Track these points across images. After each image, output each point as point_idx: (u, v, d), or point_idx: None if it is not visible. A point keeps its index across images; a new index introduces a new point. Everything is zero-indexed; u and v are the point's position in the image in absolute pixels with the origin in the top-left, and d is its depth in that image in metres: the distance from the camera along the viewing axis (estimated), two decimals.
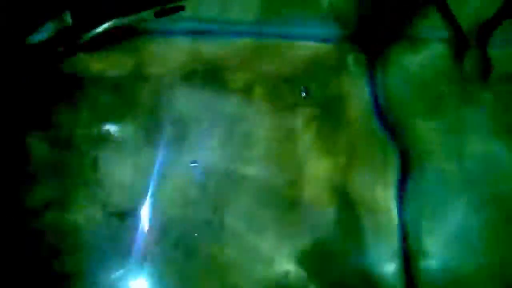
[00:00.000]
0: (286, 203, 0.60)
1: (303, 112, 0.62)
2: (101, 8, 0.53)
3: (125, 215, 0.58)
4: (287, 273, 0.58)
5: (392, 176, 0.60)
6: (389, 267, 0.59)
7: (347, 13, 0.63)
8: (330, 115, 0.62)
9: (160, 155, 0.59)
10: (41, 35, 0.57)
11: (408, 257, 0.59)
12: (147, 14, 0.57)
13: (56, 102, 0.59)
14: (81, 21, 0.55)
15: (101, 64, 0.60)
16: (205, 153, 0.60)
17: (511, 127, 0.62)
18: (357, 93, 0.62)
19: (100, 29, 0.57)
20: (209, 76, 0.61)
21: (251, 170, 0.60)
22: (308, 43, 0.62)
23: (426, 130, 0.62)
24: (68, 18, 0.55)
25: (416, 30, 0.63)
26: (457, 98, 0.63)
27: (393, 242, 0.59)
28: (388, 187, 0.60)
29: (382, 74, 0.63)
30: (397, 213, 0.60)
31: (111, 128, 0.59)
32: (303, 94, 0.61)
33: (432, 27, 0.63)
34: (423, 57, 0.63)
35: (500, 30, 0.63)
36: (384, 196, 0.60)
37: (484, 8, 0.63)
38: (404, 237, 0.59)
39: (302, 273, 0.58)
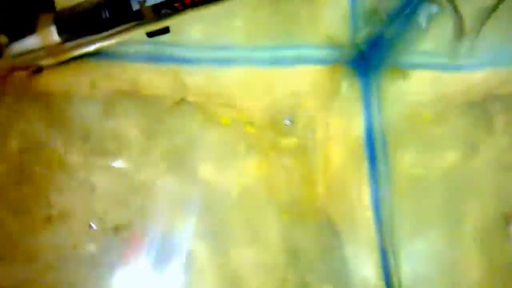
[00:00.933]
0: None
1: (293, 143, 0.62)
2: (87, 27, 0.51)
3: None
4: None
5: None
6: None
7: (343, 38, 0.62)
8: (318, 148, 0.62)
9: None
10: (22, 45, 0.55)
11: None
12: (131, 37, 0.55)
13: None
14: (65, 37, 0.53)
15: (83, 84, 0.58)
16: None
17: None
18: (349, 119, 0.62)
19: (86, 49, 0.55)
20: (197, 107, 0.60)
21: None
22: (302, 67, 0.61)
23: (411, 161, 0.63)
24: (54, 34, 0.54)
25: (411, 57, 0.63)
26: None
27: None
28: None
29: (377, 100, 0.62)
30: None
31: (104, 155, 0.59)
32: (288, 123, 0.61)
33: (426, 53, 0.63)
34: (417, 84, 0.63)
35: None
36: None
37: None
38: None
39: None
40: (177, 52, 0.59)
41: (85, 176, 0.57)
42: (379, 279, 0.60)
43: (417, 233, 0.62)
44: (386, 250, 0.61)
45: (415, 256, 0.61)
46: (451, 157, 0.63)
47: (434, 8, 0.63)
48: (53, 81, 0.57)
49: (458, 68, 0.63)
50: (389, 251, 0.61)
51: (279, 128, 0.62)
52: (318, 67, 0.61)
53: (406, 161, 0.62)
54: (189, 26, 0.59)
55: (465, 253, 0.62)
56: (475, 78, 0.64)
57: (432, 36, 0.63)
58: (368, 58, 0.63)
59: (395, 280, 0.60)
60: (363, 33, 0.62)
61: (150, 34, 0.45)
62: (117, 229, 0.58)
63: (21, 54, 0.55)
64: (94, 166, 0.58)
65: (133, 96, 0.58)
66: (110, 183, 0.58)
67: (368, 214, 0.61)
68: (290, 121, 0.61)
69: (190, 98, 0.60)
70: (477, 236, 0.62)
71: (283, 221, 0.61)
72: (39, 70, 0.55)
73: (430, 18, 0.62)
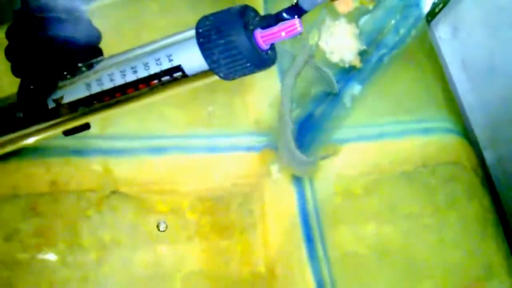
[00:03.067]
0: None
1: (231, 232, 0.60)
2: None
3: None
4: None
5: None
6: None
7: (273, 123, 0.63)
8: (256, 231, 0.61)
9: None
10: None
11: None
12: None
13: None
14: None
15: (11, 183, 0.56)
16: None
17: None
18: (283, 201, 0.62)
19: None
20: (129, 198, 0.58)
21: None
22: (235, 153, 0.62)
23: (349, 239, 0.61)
24: None
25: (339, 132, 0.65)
26: None
27: None
28: None
29: (309, 179, 0.63)
30: None
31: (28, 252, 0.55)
32: (162, 227, 0.59)
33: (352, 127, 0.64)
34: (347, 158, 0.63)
35: None
36: None
37: None
38: None
39: None
40: (107, 144, 0.58)
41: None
42: None
43: None
44: None
45: None
46: (391, 233, 0.62)
47: (356, 89, 0.65)
48: None
49: (384, 136, 0.65)
50: None
51: (217, 210, 0.61)
52: (250, 153, 0.61)
53: (344, 240, 0.62)
54: (119, 117, 0.58)
55: None
56: (401, 145, 0.65)
57: (357, 111, 0.64)
58: (298, 139, 0.63)
59: None
60: (293, 116, 0.63)
61: (67, 132, 0.44)
62: None
63: None
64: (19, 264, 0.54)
65: (58, 194, 0.56)
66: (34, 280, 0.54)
67: None
68: (165, 224, 0.59)
69: (123, 189, 0.58)
70: None
71: None
72: None
73: (354, 97, 0.64)
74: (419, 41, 0.70)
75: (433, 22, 0.76)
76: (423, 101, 0.69)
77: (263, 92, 0.65)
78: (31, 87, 0.40)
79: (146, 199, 0.59)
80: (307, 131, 0.64)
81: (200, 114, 0.62)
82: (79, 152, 0.58)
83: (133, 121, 0.60)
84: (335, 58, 0.64)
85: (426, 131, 0.68)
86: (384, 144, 0.66)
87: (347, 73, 0.66)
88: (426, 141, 0.68)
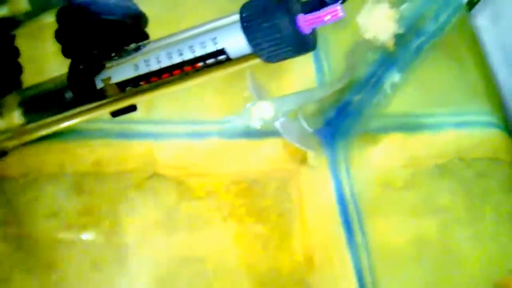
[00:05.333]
0: None
1: (268, 216, 0.60)
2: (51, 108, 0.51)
3: None
4: None
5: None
6: None
7: (311, 112, 0.63)
8: (293, 217, 0.60)
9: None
10: None
11: None
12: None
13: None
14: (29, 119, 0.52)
15: (56, 162, 0.57)
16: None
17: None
18: (320, 188, 0.62)
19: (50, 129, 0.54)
20: (168, 180, 0.59)
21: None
22: (270, 139, 0.62)
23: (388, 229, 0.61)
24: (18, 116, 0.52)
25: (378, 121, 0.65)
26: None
27: None
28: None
29: (346, 168, 0.63)
30: None
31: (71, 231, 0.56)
32: None
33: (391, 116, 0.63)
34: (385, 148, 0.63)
35: None
36: None
37: None
38: None
39: None
40: (148, 128, 0.59)
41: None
42: None
43: None
44: None
45: None
46: (428, 225, 0.62)
47: (397, 76, 0.65)
48: (14, 164, 0.56)
49: (422, 128, 0.64)
50: None
51: (253, 194, 0.61)
52: (285, 140, 0.62)
53: (382, 229, 0.62)
54: (160, 102, 0.60)
55: None
56: (441, 138, 0.65)
57: (396, 101, 0.64)
58: (335, 126, 0.63)
59: None
60: (330, 101, 0.63)
61: (115, 114, 0.45)
62: None
63: None
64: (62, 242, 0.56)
65: (101, 174, 0.57)
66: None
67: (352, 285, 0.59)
68: None
69: (162, 171, 0.60)
70: None
71: None
72: (3, 154, 0.54)
73: (394, 85, 0.64)
74: (459, 30, 0.70)
75: (473, 11, 0.75)
76: (462, 93, 0.69)
77: (298, 78, 0.65)
78: (81, 67, 0.42)
79: (184, 182, 0.60)
80: (344, 117, 0.64)
81: (237, 100, 0.63)
82: (122, 135, 0.59)
83: (174, 106, 0.62)
84: (368, 36, 0.64)
85: (464, 124, 0.67)
86: (422, 136, 0.66)
87: (388, 60, 0.65)
88: (464, 134, 0.67)
